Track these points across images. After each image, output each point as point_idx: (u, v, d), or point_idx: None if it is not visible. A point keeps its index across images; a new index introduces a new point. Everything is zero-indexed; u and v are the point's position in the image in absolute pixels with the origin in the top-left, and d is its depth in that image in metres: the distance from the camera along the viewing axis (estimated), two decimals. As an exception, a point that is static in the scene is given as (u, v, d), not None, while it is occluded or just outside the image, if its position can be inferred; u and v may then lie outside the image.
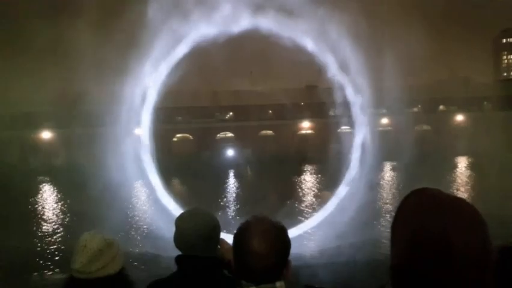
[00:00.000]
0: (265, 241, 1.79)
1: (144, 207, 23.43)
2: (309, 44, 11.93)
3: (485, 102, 57.06)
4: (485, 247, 1.15)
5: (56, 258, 17.97)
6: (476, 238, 1.15)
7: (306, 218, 20.41)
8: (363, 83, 12.20)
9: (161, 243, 13.13)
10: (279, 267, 1.83)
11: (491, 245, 1.17)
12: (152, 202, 12.90)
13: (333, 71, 12.05)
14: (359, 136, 12.54)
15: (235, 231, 1.89)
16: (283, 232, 1.89)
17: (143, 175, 12.84)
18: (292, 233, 2.06)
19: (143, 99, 12.23)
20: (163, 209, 12.46)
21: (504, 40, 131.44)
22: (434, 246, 1.15)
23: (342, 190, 12.59)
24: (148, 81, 12.23)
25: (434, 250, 1.15)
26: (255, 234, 1.80)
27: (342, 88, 12.31)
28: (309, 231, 13.86)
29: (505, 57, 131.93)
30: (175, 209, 11.87)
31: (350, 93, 12.29)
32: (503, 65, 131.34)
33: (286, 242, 1.88)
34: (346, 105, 12.83)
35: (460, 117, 53.41)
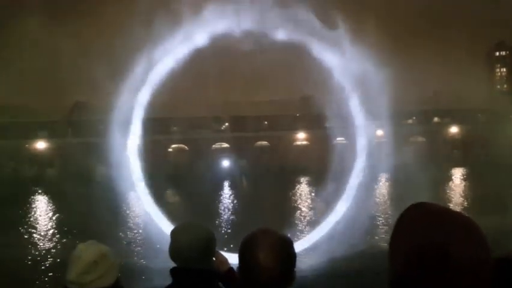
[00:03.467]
0: (272, 253, 1.79)
1: (138, 219, 23.22)
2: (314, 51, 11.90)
3: (479, 115, 57.61)
4: (485, 261, 1.16)
5: (50, 270, 17.71)
6: (477, 252, 1.16)
7: (302, 230, 20.26)
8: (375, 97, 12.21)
9: (155, 255, 13.00)
10: (285, 279, 1.83)
11: (490, 259, 1.18)
12: (147, 215, 12.80)
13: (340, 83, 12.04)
14: (361, 148, 12.50)
15: (241, 243, 1.88)
16: (289, 244, 1.90)
17: (135, 187, 12.75)
18: (297, 246, 2.07)
19: (135, 109, 12.16)
20: (157, 222, 12.36)
21: (497, 53, 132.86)
22: (435, 259, 1.16)
23: (342, 204, 12.53)
24: (140, 92, 12.17)
25: (435, 263, 1.15)
26: (262, 247, 1.80)
27: (344, 100, 12.30)
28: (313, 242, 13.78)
29: (498, 70, 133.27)
30: (168, 222, 11.81)
31: (353, 104, 12.28)
32: (497, 78, 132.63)
33: (292, 254, 1.88)
34: (343, 116, 12.85)
35: (454, 129, 53.90)
